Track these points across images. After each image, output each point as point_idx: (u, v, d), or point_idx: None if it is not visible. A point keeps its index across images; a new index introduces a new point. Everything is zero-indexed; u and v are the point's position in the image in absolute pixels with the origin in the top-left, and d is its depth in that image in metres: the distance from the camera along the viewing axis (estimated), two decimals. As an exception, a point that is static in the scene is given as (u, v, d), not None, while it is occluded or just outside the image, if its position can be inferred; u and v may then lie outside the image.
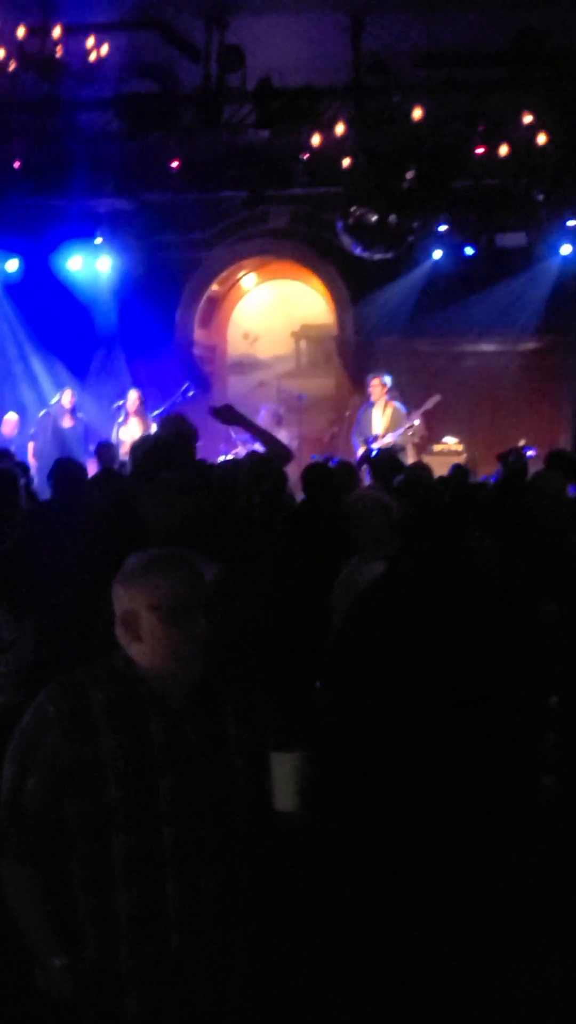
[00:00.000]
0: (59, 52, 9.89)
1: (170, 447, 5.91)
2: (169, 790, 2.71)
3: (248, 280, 16.66)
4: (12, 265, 15.12)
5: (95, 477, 9.08)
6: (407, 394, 13.54)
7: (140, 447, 6.30)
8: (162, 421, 6.59)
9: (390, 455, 9.92)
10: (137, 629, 2.74)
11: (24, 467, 10.25)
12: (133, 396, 13.84)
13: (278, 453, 6.50)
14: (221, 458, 12.75)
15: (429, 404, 13.18)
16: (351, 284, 15.45)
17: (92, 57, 10.07)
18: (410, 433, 12.90)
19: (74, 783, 2.70)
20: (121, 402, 13.85)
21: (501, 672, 3.75)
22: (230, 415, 6.44)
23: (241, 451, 12.96)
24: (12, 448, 13.93)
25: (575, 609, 4.29)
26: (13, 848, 2.75)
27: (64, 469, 7.20)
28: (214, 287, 16.29)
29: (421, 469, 8.97)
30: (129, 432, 13.50)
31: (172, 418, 6.67)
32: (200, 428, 6.83)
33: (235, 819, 2.78)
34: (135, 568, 2.80)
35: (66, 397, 14.12)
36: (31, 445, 13.68)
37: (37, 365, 15.74)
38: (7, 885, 2.80)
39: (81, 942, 2.73)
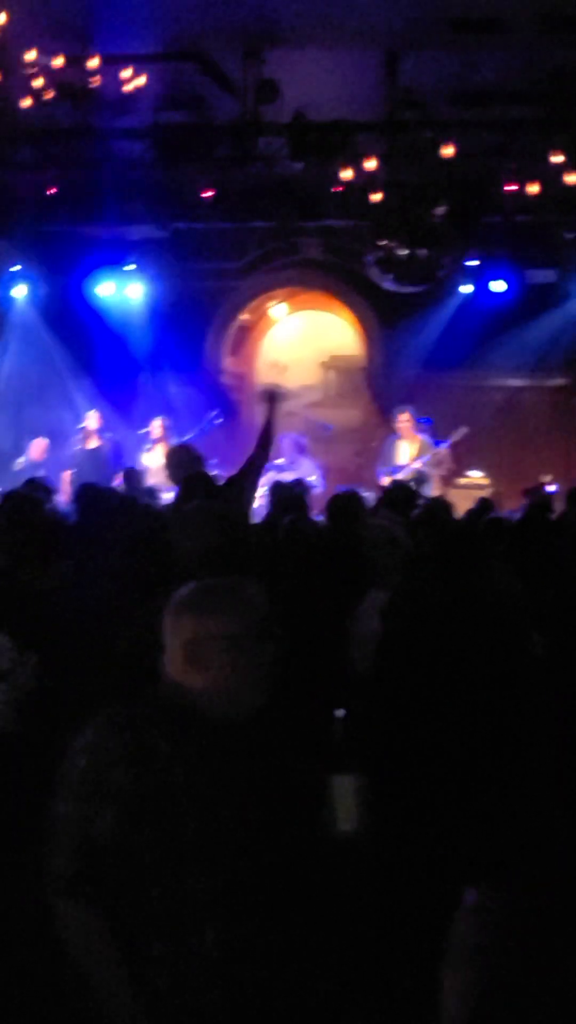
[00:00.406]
0: (96, 82, 10.02)
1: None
2: (234, 821, 2.63)
3: (278, 310, 16.76)
4: (45, 291, 15.29)
5: (119, 503, 9.14)
6: (433, 426, 13.59)
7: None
8: (171, 451, 6.61)
9: (407, 487, 9.93)
10: (202, 659, 2.69)
11: (48, 490, 10.30)
12: (157, 424, 13.93)
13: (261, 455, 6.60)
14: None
15: (457, 436, 13.22)
16: (380, 316, 15.54)
17: (128, 87, 10.19)
18: (435, 462, 12.91)
19: (148, 818, 2.58)
20: (147, 429, 13.95)
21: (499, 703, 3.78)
22: (271, 397, 6.59)
23: (268, 478, 13.02)
24: (42, 472, 14.09)
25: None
26: (84, 889, 2.59)
27: (86, 494, 7.25)
28: (244, 316, 16.41)
29: (438, 503, 8.98)
30: (153, 459, 13.59)
31: (179, 449, 6.72)
32: (224, 455, 6.90)
33: (294, 844, 2.76)
34: (197, 598, 2.77)
35: (91, 419, 14.23)
36: (67, 473, 13.79)
37: (69, 389, 15.86)
38: (74, 929, 2.61)
39: (146, 984, 2.59)
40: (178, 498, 5.98)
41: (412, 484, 11.16)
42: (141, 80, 10.32)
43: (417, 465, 12.66)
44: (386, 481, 12.71)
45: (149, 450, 13.79)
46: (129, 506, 8.75)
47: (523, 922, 2.04)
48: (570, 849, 3.45)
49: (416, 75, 11.37)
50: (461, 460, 13.92)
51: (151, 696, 2.73)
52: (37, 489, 9.23)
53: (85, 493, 7.41)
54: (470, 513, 9.64)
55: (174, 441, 13.76)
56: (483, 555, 5.50)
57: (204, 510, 4.47)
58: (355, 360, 16.26)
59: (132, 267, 14.94)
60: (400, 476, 12.35)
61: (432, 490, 12.70)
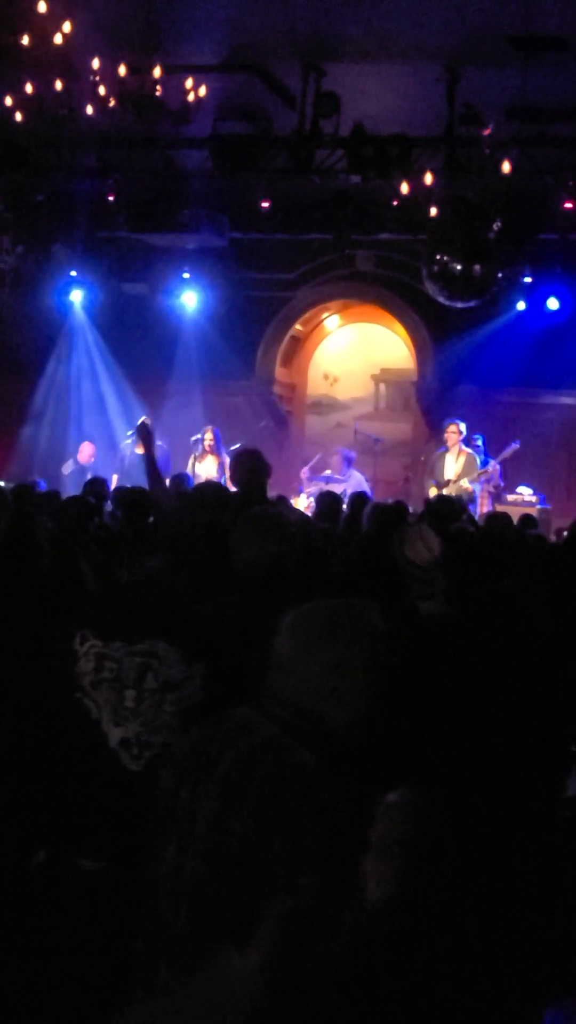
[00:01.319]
0: (158, 92, 10.12)
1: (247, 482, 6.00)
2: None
3: (331, 322, 16.83)
4: (100, 297, 15.46)
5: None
6: (486, 442, 13.59)
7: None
8: (237, 454, 6.66)
9: (450, 502, 9.92)
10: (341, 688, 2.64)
11: (101, 492, 10.39)
12: (209, 434, 14.01)
13: (156, 490, 6.61)
14: (302, 496, 12.93)
15: (508, 452, 13.22)
16: (433, 330, 15.56)
17: (190, 98, 10.28)
18: (483, 480, 12.91)
19: None
20: (198, 436, 14.03)
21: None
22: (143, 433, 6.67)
23: (314, 489, 13.08)
24: (89, 475, 14.23)
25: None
26: None
27: (129, 498, 7.31)
28: (297, 327, 16.48)
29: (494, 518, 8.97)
30: (204, 468, 13.69)
31: (247, 451, 6.75)
32: (274, 464, 6.93)
33: None
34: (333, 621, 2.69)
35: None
36: (115, 476, 13.91)
37: (121, 395, 16.01)
38: None
39: None
40: (238, 504, 6.00)
41: (458, 499, 11.16)
42: (202, 90, 10.40)
43: (465, 483, 12.65)
44: (432, 494, 12.72)
45: (199, 459, 13.87)
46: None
47: (444, 819, 2.20)
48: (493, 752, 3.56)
49: (475, 91, 11.39)
50: (510, 477, 13.91)
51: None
52: (96, 493, 9.36)
53: (124, 496, 7.49)
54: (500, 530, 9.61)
55: (224, 451, 13.87)
56: (494, 572, 5.45)
57: (263, 516, 4.49)
58: (406, 374, 16.29)
59: (187, 275, 15.07)
60: (447, 491, 12.36)
61: (480, 506, 12.69)
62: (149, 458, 6.73)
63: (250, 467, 6.33)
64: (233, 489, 6.62)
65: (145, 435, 6.74)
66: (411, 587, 5.07)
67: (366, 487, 13.62)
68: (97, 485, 10.88)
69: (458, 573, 5.46)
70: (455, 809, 2.36)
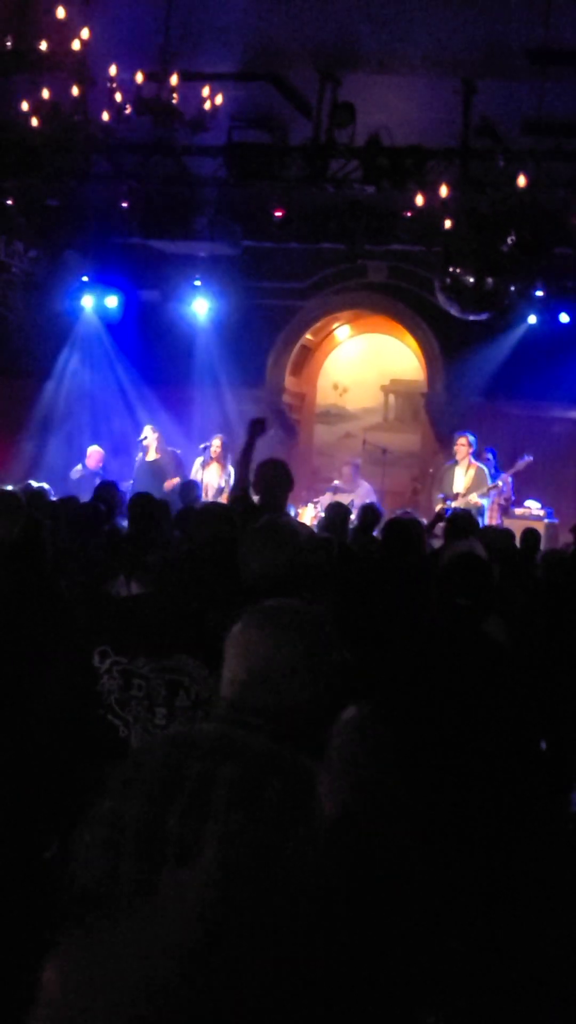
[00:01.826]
0: (175, 99, 10.11)
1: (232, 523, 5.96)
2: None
3: (342, 332, 16.82)
4: (112, 301, 15.46)
5: (177, 516, 9.18)
6: (497, 457, 13.57)
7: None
8: (262, 463, 6.63)
9: (467, 515, 9.91)
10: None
11: (111, 499, 10.36)
12: (217, 442, 14.02)
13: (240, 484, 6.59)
14: (310, 506, 12.91)
15: (520, 465, 13.19)
16: (443, 343, 15.54)
17: (207, 106, 10.28)
18: (493, 494, 12.88)
19: None
20: (207, 444, 14.03)
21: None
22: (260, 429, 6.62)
23: (324, 499, 13.05)
24: (98, 480, 14.22)
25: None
26: None
27: (139, 505, 7.29)
28: (308, 336, 16.48)
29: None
30: (209, 475, 13.69)
31: (273, 462, 6.73)
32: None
33: None
34: (266, 618, 2.73)
35: (150, 432, 14.32)
36: (127, 484, 13.90)
37: (131, 401, 16.01)
38: None
39: None
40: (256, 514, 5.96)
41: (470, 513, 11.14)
42: (219, 99, 10.40)
43: (473, 498, 12.61)
44: (439, 507, 12.69)
45: (205, 466, 13.88)
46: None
47: (399, 740, 2.27)
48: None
49: (492, 104, 11.38)
50: (518, 490, 13.88)
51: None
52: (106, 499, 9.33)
53: (134, 503, 7.47)
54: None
55: (230, 460, 13.86)
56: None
57: (271, 528, 4.46)
58: (416, 385, 16.27)
59: (199, 283, 15.07)
60: (456, 504, 12.32)
61: (489, 519, 12.67)
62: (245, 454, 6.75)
63: (271, 477, 6.31)
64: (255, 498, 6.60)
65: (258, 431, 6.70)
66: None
67: (374, 498, 13.61)
68: (107, 491, 10.86)
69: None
70: (463, 820, 2.36)
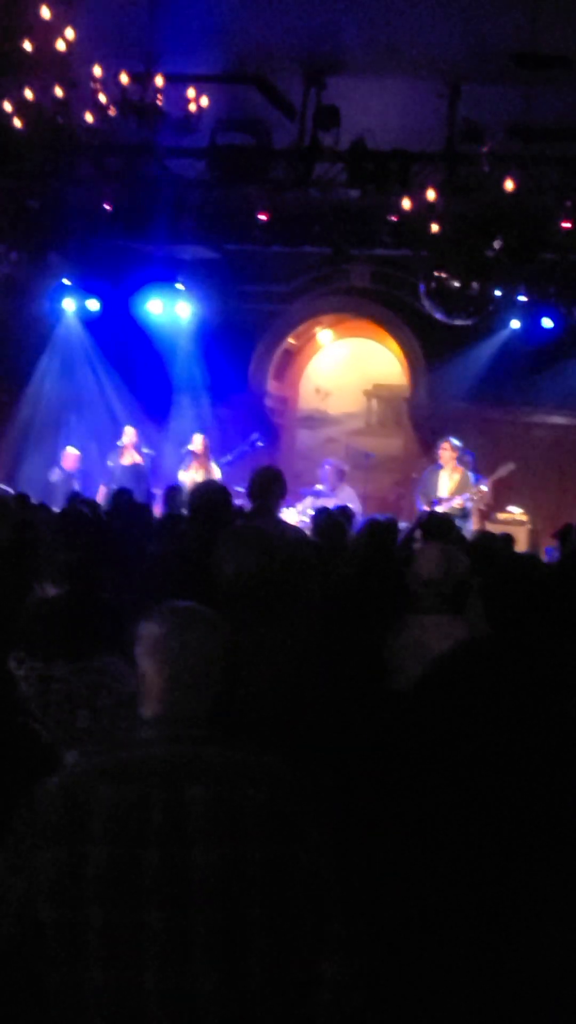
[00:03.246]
0: (160, 101, 10.05)
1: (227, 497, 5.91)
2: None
3: (324, 336, 16.76)
4: (94, 304, 15.38)
5: (161, 520, 9.12)
6: (476, 460, 13.53)
7: (203, 493, 6.29)
8: (256, 470, 6.59)
9: (444, 519, 9.86)
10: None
11: (93, 503, 10.31)
12: (198, 440, 13.96)
13: None
14: (290, 510, 12.83)
15: (503, 471, 13.14)
16: (426, 347, 15.51)
17: (192, 108, 10.21)
18: (476, 498, 12.84)
19: None
20: (187, 446, 13.96)
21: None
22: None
23: (307, 503, 12.98)
24: (75, 482, 14.17)
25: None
26: None
27: (119, 505, 7.24)
28: (290, 340, 16.42)
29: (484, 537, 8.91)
30: (190, 476, 13.61)
31: (267, 468, 6.69)
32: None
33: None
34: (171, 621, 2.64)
35: (128, 435, 14.25)
36: (102, 487, 13.82)
37: (111, 404, 15.92)
38: None
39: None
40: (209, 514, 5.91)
41: (453, 517, 11.09)
42: (204, 100, 10.33)
43: (458, 503, 12.57)
44: (424, 511, 12.64)
45: (187, 467, 13.81)
46: (170, 523, 8.76)
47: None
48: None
49: (477, 108, 11.36)
50: (500, 495, 13.85)
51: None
52: (83, 504, 9.24)
53: (115, 502, 7.43)
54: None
55: (212, 461, 13.80)
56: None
57: (248, 531, 4.42)
58: (398, 390, 16.23)
59: (181, 286, 15.00)
60: (440, 509, 12.27)
61: (472, 524, 12.63)
62: None
63: (265, 483, 6.27)
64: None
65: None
66: (418, 601, 5.04)
67: (356, 503, 13.54)
68: (83, 497, 10.79)
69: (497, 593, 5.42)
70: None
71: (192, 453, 13.89)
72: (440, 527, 8.87)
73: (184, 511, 10.27)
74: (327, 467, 13.69)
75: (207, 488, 5.81)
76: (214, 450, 14.15)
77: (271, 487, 6.27)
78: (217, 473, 13.66)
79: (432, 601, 5.02)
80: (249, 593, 4.09)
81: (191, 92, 10.32)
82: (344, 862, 2.31)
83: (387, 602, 5.49)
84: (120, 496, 10.37)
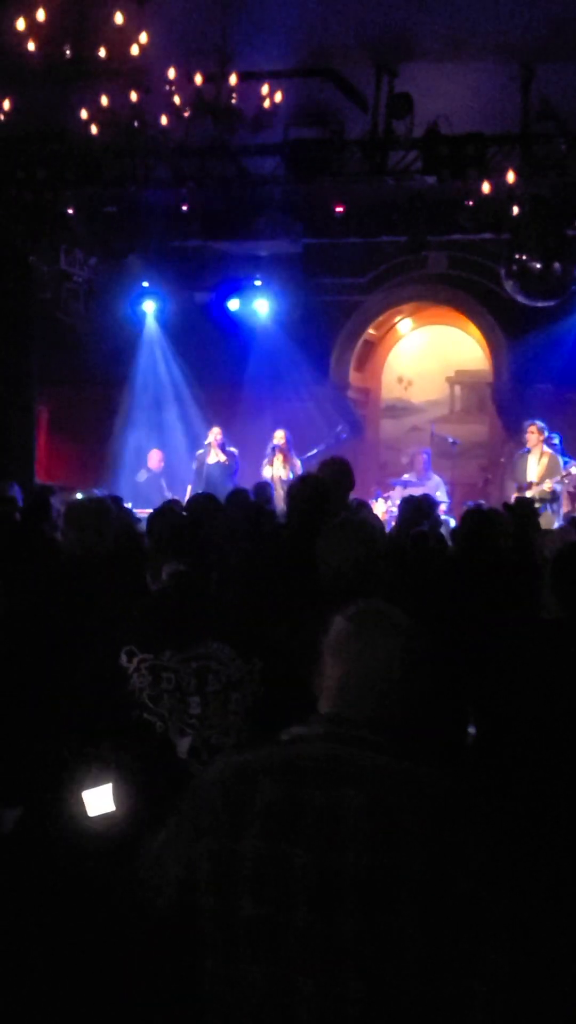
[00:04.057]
0: (234, 99, 10.10)
1: (327, 489, 5.92)
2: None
3: (404, 324, 16.73)
4: (174, 306, 15.51)
5: (249, 517, 9.15)
6: (563, 442, 13.41)
7: (299, 488, 6.33)
8: (324, 462, 6.61)
9: (529, 503, 9.77)
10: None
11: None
12: (280, 435, 14.03)
13: None
14: (380, 500, 12.85)
15: (592, 451, 13.03)
16: (507, 330, 15.40)
17: (266, 104, 10.24)
18: (566, 482, 12.74)
19: None
20: (272, 442, 14.04)
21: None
22: None
23: (395, 493, 12.99)
24: (162, 482, 14.31)
25: None
26: None
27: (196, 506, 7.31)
28: (370, 331, 16.40)
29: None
30: (273, 471, 13.68)
31: (334, 460, 6.70)
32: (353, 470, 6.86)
33: None
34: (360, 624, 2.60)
35: (212, 435, 14.35)
36: (189, 487, 13.95)
37: (195, 404, 16.04)
38: None
39: None
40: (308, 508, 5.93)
41: (540, 502, 11.01)
42: (278, 96, 10.35)
43: (547, 486, 12.48)
44: (515, 496, 12.57)
45: (270, 462, 13.88)
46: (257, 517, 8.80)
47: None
48: None
49: (552, 87, 11.25)
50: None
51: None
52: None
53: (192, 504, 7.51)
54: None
55: (301, 455, 13.85)
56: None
57: (350, 524, 4.44)
58: (481, 375, 16.14)
59: (259, 282, 15.07)
60: (530, 493, 12.20)
61: (563, 507, 12.53)
62: None
63: (332, 476, 6.27)
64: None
65: None
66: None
67: (445, 490, 13.53)
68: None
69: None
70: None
71: (275, 448, 13.95)
72: (525, 512, 8.81)
73: (272, 507, 10.37)
74: (415, 456, 13.68)
75: (307, 481, 5.82)
76: (298, 445, 14.19)
77: (340, 479, 6.27)
78: (299, 468, 13.73)
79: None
80: (353, 585, 4.11)
81: (264, 89, 10.35)
82: (507, 886, 2.26)
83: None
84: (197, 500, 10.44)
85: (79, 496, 8.50)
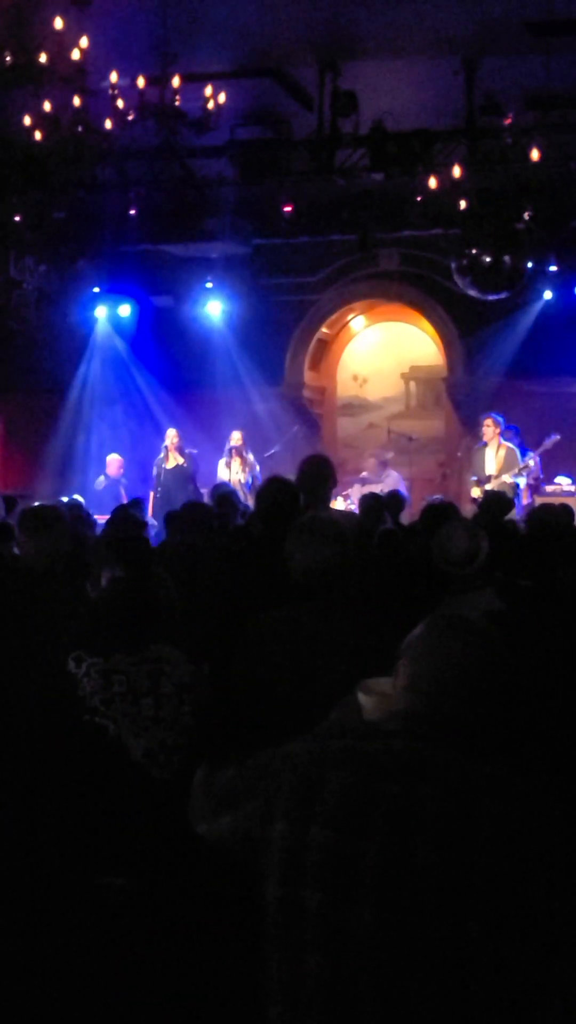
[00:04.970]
0: (177, 101, 10.04)
1: (295, 491, 5.90)
2: None
3: (357, 322, 16.74)
4: (125, 310, 15.44)
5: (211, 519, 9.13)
6: (520, 434, 13.46)
7: (268, 489, 6.31)
8: (305, 460, 6.59)
9: (500, 495, 9.83)
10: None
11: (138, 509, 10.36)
12: (236, 436, 14.03)
13: None
14: (339, 499, 12.85)
15: (548, 444, 13.09)
16: (460, 325, 15.45)
17: (210, 105, 10.19)
18: (525, 473, 12.79)
19: None
20: (228, 443, 14.02)
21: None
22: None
23: (354, 491, 12.99)
24: (121, 487, 14.24)
25: None
26: None
27: (191, 512, 7.29)
28: (324, 330, 16.40)
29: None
30: (231, 473, 13.66)
31: (315, 457, 6.69)
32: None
33: None
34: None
35: (169, 437, 14.30)
36: (152, 493, 13.92)
37: (151, 408, 15.99)
38: None
39: None
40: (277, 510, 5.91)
41: (505, 493, 11.05)
42: (221, 97, 10.31)
43: (507, 479, 12.53)
44: (476, 491, 12.62)
45: (227, 464, 13.87)
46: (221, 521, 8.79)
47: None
48: None
49: (495, 80, 11.28)
50: (548, 467, 13.76)
51: None
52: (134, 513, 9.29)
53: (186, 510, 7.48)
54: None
55: (252, 455, 13.85)
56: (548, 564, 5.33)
57: (318, 522, 4.41)
58: (436, 370, 16.18)
59: (211, 285, 15.03)
60: (490, 487, 12.25)
61: (523, 498, 12.58)
62: None
63: (314, 473, 6.26)
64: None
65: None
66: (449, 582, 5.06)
67: (403, 486, 13.54)
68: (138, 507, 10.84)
69: (508, 567, 5.43)
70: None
71: (232, 449, 13.94)
72: (495, 504, 8.88)
73: (230, 508, 10.33)
74: (371, 459, 13.73)
75: (274, 484, 5.79)
76: (254, 445, 14.17)
77: (322, 476, 6.25)
78: (257, 468, 13.74)
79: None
80: (324, 584, 4.09)
81: (209, 90, 10.31)
82: None
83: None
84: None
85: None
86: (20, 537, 5.11)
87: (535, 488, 13.55)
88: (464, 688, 2.33)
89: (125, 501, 12.65)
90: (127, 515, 8.23)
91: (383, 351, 16.58)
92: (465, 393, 15.59)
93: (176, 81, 10.10)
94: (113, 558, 4.20)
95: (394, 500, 10.52)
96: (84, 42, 9.40)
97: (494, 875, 2.11)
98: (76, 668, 3.66)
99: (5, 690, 4.05)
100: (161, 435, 14.65)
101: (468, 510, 11.12)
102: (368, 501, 9.72)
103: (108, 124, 10.46)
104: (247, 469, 13.85)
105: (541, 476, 13.56)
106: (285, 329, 16.04)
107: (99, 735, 3.60)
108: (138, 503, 11.82)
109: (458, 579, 5.07)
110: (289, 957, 2.24)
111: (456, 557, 5.10)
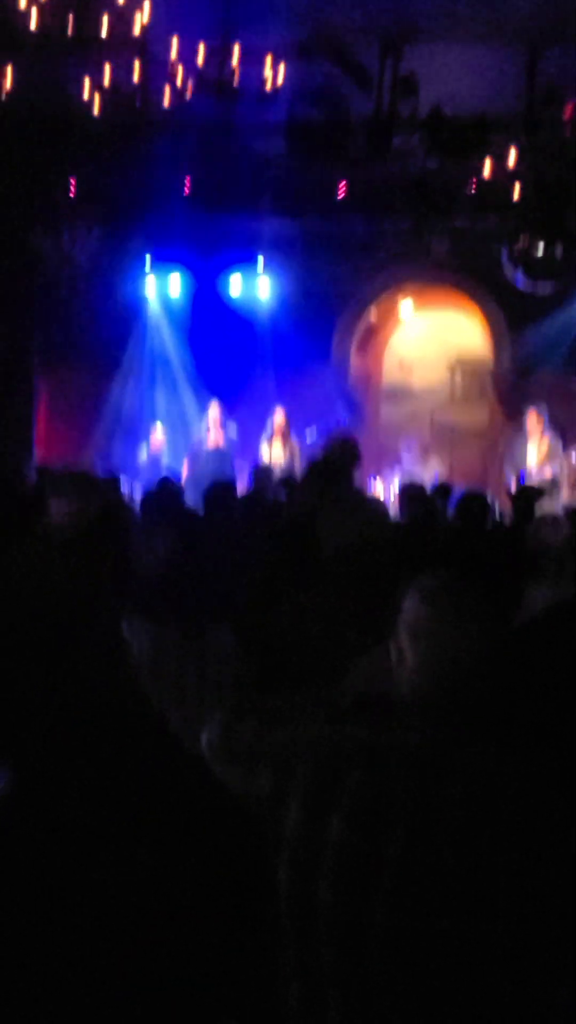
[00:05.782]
0: (236, 76, 10.05)
1: (335, 468, 5.90)
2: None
3: (406, 309, 16.62)
4: (175, 285, 15.46)
5: (246, 498, 9.13)
6: (562, 430, 13.36)
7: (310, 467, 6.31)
8: (331, 441, 6.58)
9: (530, 489, 9.74)
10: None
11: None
12: (279, 416, 13.93)
13: None
14: (376, 482, 12.83)
15: (592, 441, 12.99)
16: (509, 316, 15.30)
17: (268, 82, 10.19)
18: (565, 468, 12.70)
19: None
20: (271, 420, 13.98)
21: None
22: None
23: (393, 478, 12.95)
24: (162, 459, 14.28)
25: None
26: None
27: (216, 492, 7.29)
28: (372, 315, 16.32)
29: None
30: (275, 452, 13.60)
31: (342, 439, 6.68)
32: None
33: None
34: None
35: (211, 410, 14.25)
36: (185, 463, 13.91)
37: (195, 384, 15.99)
38: None
39: None
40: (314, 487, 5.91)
41: (542, 490, 10.96)
42: (280, 75, 10.31)
43: (547, 474, 12.44)
44: (513, 484, 12.53)
45: (268, 442, 13.81)
46: (256, 499, 8.77)
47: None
48: None
49: (557, 70, 11.20)
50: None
51: None
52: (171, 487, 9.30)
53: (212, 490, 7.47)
54: None
55: (295, 436, 13.79)
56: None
57: (352, 502, 4.41)
58: (483, 361, 16.05)
59: (262, 263, 15.00)
60: (529, 482, 12.16)
61: (562, 494, 12.49)
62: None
63: (339, 453, 6.25)
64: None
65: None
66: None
67: (438, 476, 13.49)
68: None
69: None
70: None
71: (275, 428, 13.89)
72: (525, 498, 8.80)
73: (270, 489, 10.33)
74: (412, 443, 13.66)
75: (315, 466, 5.81)
76: (296, 427, 14.14)
77: (347, 457, 6.25)
78: (298, 452, 13.68)
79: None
80: (353, 563, 4.07)
81: (268, 65, 10.30)
82: None
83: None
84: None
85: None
86: (51, 503, 5.13)
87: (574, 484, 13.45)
88: (481, 672, 2.21)
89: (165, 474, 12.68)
90: (170, 486, 8.27)
91: (430, 339, 16.47)
92: (510, 385, 15.47)
93: (236, 54, 10.10)
94: (160, 530, 4.19)
95: (443, 490, 10.39)
96: (146, 12, 9.43)
97: (518, 871, 2.05)
98: (128, 632, 3.65)
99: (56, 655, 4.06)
100: (204, 410, 14.65)
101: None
102: (410, 491, 9.67)
103: (166, 95, 10.49)
104: (288, 451, 13.79)
105: (578, 471, 13.45)
106: (333, 312, 15.96)
107: (140, 701, 3.59)
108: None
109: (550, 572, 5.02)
110: (304, 947, 2.17)
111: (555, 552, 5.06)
